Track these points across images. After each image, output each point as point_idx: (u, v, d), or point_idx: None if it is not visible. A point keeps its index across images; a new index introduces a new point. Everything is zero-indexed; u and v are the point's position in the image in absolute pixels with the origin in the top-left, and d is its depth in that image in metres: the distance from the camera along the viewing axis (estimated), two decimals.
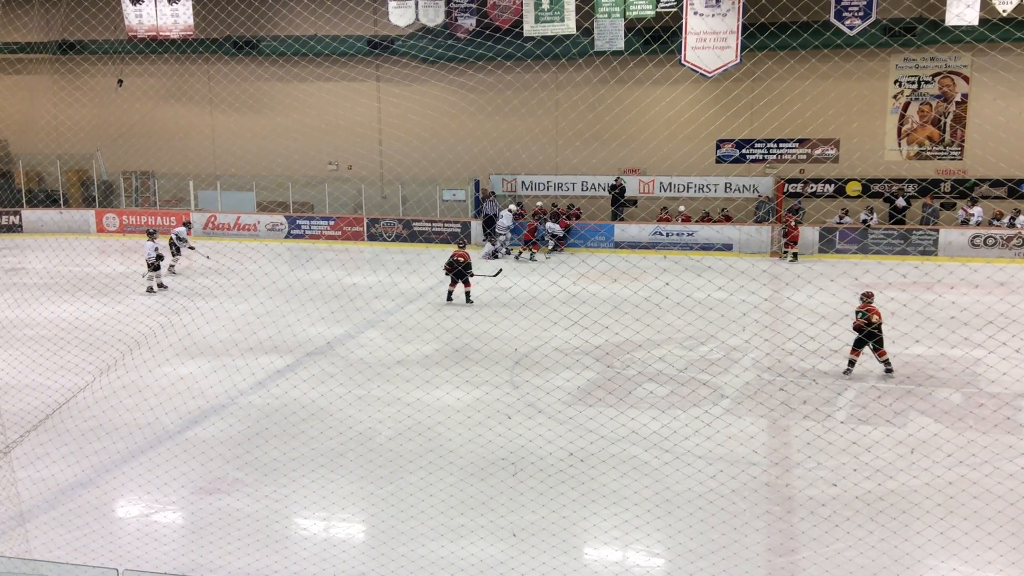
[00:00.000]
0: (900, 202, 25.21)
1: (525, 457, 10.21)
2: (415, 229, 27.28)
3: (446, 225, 27.17)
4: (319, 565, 7.86)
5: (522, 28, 23.81)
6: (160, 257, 19.63)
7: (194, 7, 26.66)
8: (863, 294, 13.45)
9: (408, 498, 9.21)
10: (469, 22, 25.07)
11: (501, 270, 19.12)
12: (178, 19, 26.94)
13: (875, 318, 12.98)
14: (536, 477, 9.65)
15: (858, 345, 13.19)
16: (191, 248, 21.73)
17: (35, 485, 9.44)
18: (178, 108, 29.83)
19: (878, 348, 13.09)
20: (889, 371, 13.17)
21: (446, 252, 25.20)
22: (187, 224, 22.95)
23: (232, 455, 10.33)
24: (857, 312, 13.20)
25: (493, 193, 27.02)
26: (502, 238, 25.04)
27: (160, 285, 19.65)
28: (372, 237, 27.51)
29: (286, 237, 27.88)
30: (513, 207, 25.81)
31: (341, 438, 10.81)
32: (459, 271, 18.10)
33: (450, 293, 18.39)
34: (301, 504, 9.18)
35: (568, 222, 25.83)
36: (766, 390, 12.70)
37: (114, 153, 29.84)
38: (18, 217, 29.08)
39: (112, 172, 30.54)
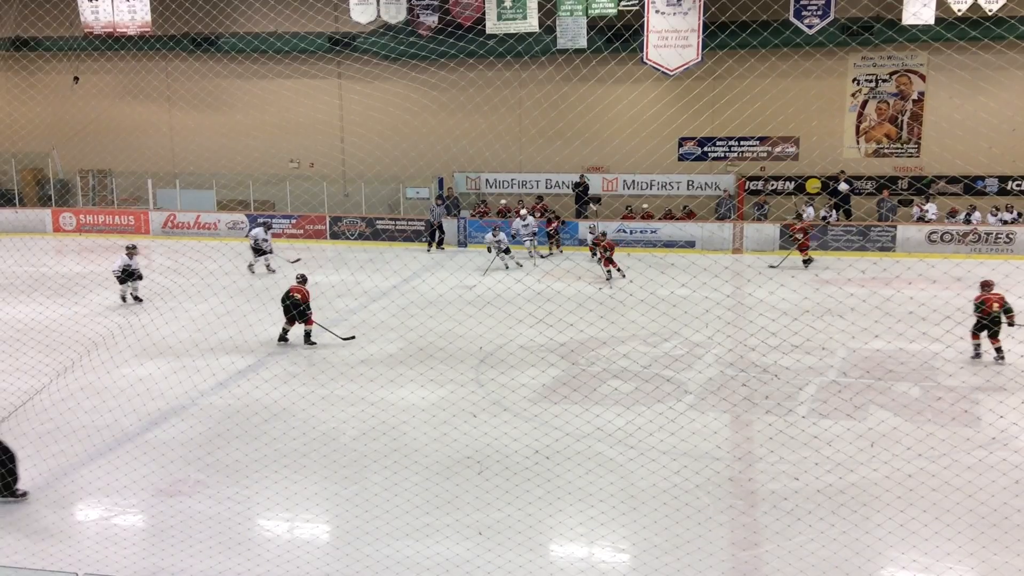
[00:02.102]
0: (843, 186, 25.53)
1: (491, 455, 10.19)
2: (378, 227, 27.14)
3: (409, 223, 27.07)
4: (283, 567, 7.78)
5: (484, 25, 23.79)
6: (129, 274, 18.41)
7: (151, 3, 26.23)
8: (981, 283, 13.73)
9: (373, 498, 9.15)
10: (431, 19, 24.98)
11: (354, 336, 15.69)
12: (135, 15, 26.49)
13: (995, 307, 13.31)
14: (502, 475, 9.64)
15: (978, 330, 13.61)
16: (268, 252, 21.51)
17: None
18: (135, 106, 29.38)
19: (993, 336, 13.52)
20: (1000, 359, 13.56)
21: (410, 250, 25.20)
22: (265, 225, 22.39)
23: (193, 457, 10.19)
24: (977, 302, 13.55)
25: (440, 197, 26.71)
26: (527, 243, 23.87)
27: (136, 298, 18.57)
28: (335, 235, 27.32)
29: (247, 236, 27.57)
30: (524, 212, 24.96)
31: (304, 438, 10.72)
32: (289, 307, 14.99)
33: (284, 332, 15.16)
34: (264, 505, 9.09)
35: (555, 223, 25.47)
36: (729, 386, 12.82)
37: (71, 151, 29.32)
38: None
39: (68, 171, 30.00)
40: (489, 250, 22.47)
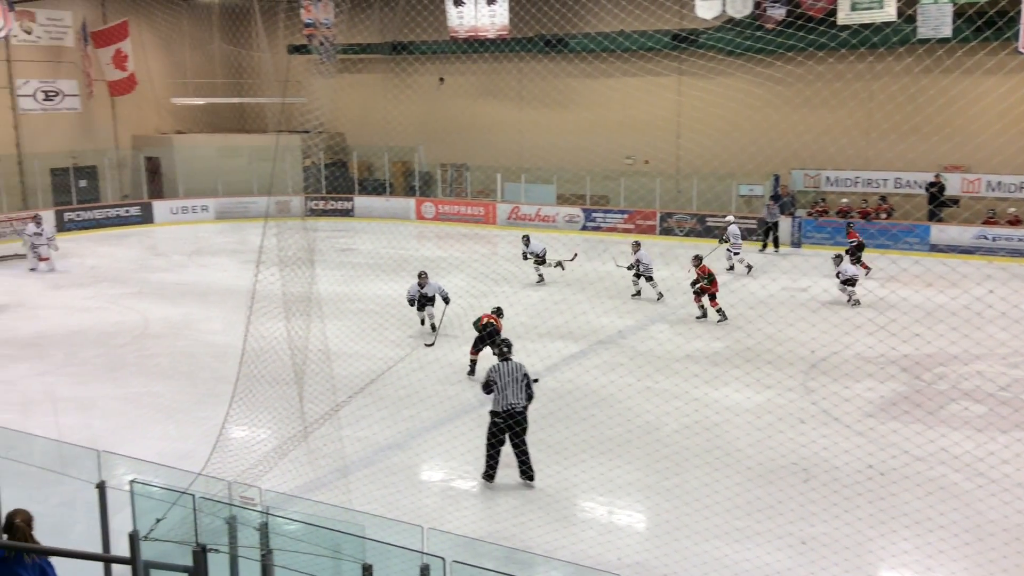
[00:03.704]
0: None
1: (818, 464, 9.82)
2: (709, 224, 26.89)
3: (741, 221, 26.52)
4: (601, 547, 8.10)
5: (836, 17, 22.64)
6: (429, 300, 15.70)
7: (510, 7, 28.15)
8: None
9: (692, 492, 9.21)
10: (779, 12, 24.25)
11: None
12: (495, 19, 28.62)
13: None
14: (829, 487, 9.24)
15: None
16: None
17: (357, 443, 10.55)
18: (490, 104, 31.62)
19: None
20: None
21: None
22: (526, 239, 20.66)
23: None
24: None
25: (775, 197, 25.60)
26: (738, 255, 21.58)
27: (432, 326, 15.72)
28: (664, 231, 27.51)
29: (582, 229, 28.64)
30: (730, 218, 22.68)
31: (628, 425, 11.01)
32: (484, 338, 13.13)
33: (472, 364, 13.32)
34: (587, 486, 9.48)
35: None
36: None
37: (433, 146, 32.35)
38: (351, 203, 32.48)
39: (431, 164, 33.11)
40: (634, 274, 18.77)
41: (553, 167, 29.63)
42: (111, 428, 11.31)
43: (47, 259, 22.49)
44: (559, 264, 20.07)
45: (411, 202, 31.98)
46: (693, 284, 17.06)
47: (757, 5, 24.25)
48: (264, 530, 5.86)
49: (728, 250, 21.60)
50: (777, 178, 26.55)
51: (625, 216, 28.27)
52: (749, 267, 21.41)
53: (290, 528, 5.93)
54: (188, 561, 5.82)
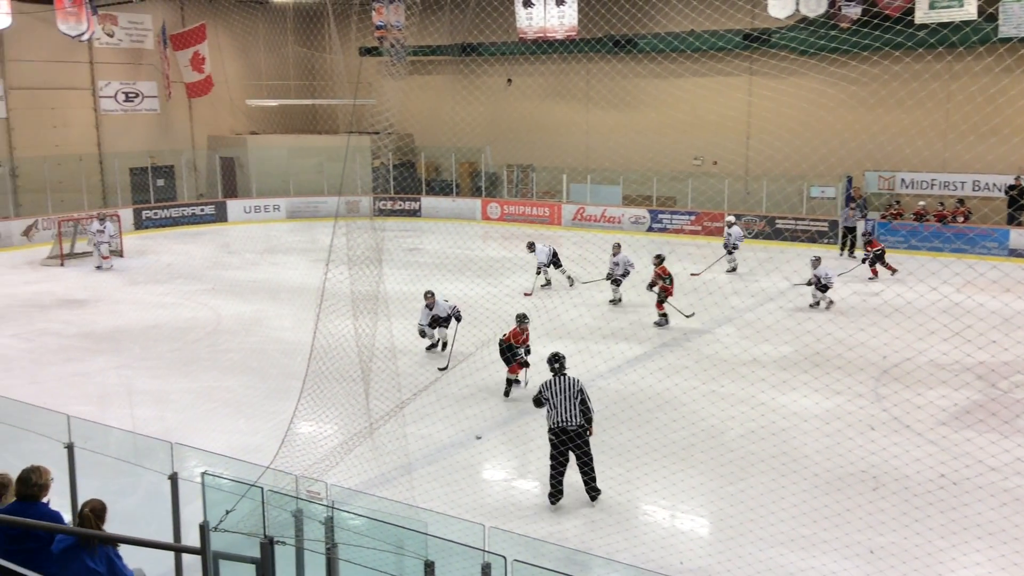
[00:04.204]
0: None
1: (888, 472, 9.61)
2: (779, 226, 26.47)
3: (812, 223, 26.05)
4: (664, 550, 8.05)
5: (913, 15, 22.08)
6: (443, 320, 14.77)
7: (579, 8, 28.10)
8: None
9: (757, 498, 9.09)
10: (854, 11, 23.74)
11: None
12: (563, 20, 28.59)
13: None
14: (899, 496, 9.04)
15: None
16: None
17: (421, 440, 10.68)
18: (558, 105, 31.61)
19: None
20: None
21: (812, 251, 24.19)
22: (530, 246, 19.83)
23: None
24: None
25: (850, 199, 24.91)
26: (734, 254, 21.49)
27: (444, 343, 14.95)
28: None
29: (648, 230, 28.43)
30: (731, 219, 22.57)
31: (692, 429, 10.90)
32: (508, 357, 12.75)
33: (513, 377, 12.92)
34: (650, 489, 9.42)
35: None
36: None
37: (500, 147, 32.46)
38: (418, 203, 32.80)
39: (497, 165, 33.23)
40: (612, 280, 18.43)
41: (619, 168, 29.49)
42: (184, 421, 11.64)
43: (108, 257, 23.25)
44: (570, 280, 19.49)
45: (477, 203, 32.15)
46: (650, 287, 16.80)
47: (832, 4, 23.79)
48: (329, 524, 5.97)
49: (729, 252, 21.51)
50: (850, 180, 25.98)
51: (692, 218, 27.99)
52: (735, 268, 21.53)
53: (355, 523, 6.03)
54: (256, 553, 5.96)
